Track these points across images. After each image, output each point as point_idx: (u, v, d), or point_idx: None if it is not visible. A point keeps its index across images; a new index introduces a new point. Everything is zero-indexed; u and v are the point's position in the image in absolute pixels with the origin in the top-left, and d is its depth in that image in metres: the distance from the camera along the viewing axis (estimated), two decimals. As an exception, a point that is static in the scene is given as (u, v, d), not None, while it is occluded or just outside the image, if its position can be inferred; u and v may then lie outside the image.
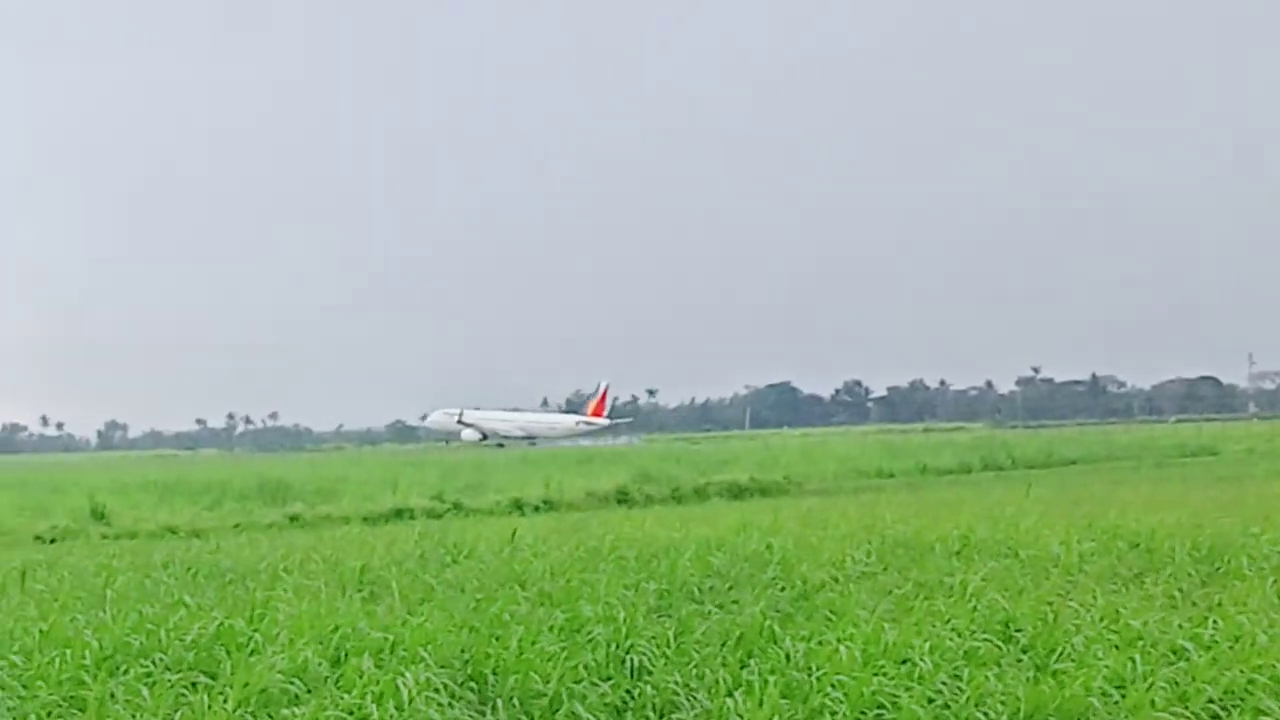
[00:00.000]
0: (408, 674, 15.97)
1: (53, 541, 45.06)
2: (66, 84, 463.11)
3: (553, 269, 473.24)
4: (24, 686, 16.25)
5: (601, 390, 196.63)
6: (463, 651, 17.88)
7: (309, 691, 16.06)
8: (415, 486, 65.78)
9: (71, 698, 15.86)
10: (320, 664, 17.21)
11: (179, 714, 14.71)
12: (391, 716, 14.50)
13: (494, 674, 17.01)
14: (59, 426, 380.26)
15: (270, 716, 14.88)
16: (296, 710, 14.94)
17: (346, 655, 17.71)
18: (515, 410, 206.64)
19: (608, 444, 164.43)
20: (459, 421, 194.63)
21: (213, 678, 16.79)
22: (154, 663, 17.46)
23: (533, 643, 18.06)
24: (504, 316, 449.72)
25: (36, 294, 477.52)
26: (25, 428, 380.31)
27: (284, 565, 29.16)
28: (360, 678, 16.24)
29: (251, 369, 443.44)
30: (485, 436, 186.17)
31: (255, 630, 19.27)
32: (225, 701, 15.31)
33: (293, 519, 53.47)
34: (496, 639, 18.51)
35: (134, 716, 14.76)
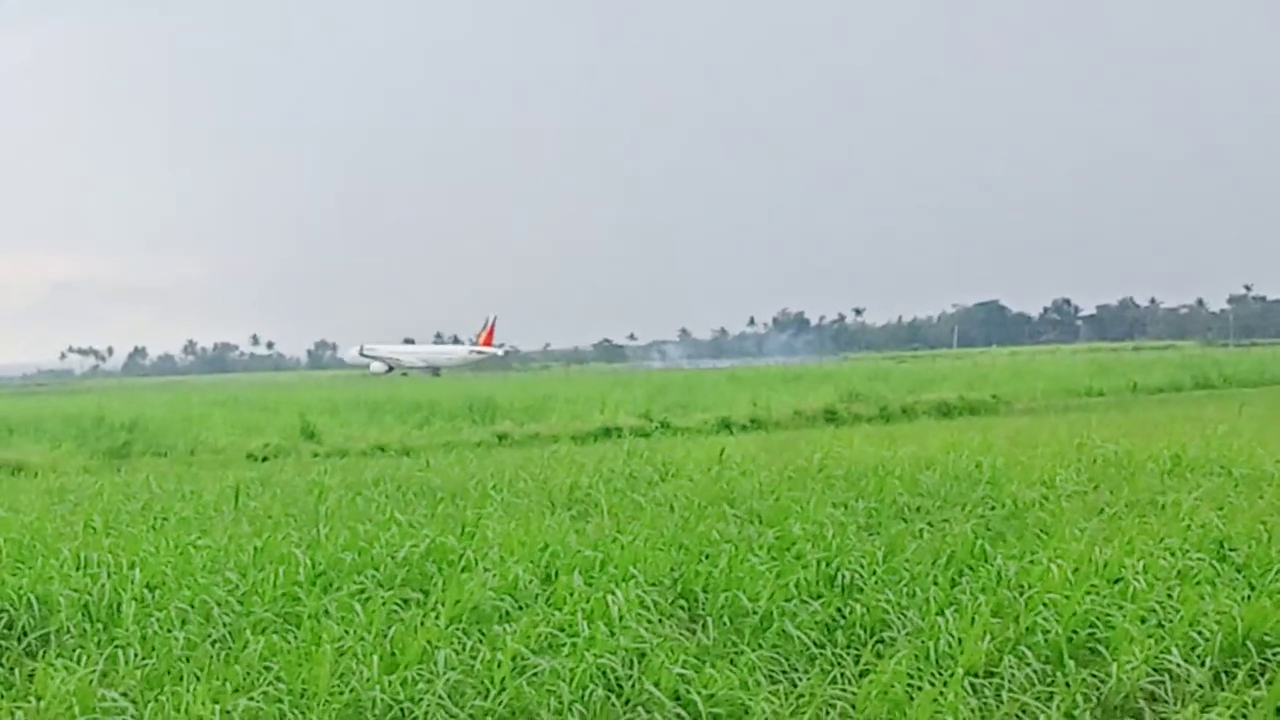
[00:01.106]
0: (618, 591, 16.32)
1: (265, 460, 46.31)
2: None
3: (764, 190, 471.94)
4: (239, 603, 16.84)
5: (490, 323, 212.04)
6: (672, 570, 18.22)
7: (520, 608, 16.50)
8: (623, 405, 66.21)
9: (286, 614, 16.41)
10: (531, 581, 17.67)
11: (392, 630, 15.16)
12: (602, 634, 14.81)
13: (704, 592, 17.31)
14: (269, 346, 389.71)
15: (482, 633, 15.29)
16: (508, 627, 15.34)
17: (557, 573, 18.15)
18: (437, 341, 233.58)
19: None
20: (362, 354, 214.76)
21: (425, 594, 17.34)
22: (366, 579, 18.06)
23: (742, 561, 18.34)
24: (709, 237, 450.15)
25: (247, 217, 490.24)
26: (236, 347, 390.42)
27: (493, 483, 29.77)
28: (570, 595, 16.64)
29: (456, 289, 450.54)
30: (391, 368, 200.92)
31: (466, 548, 19.79)
32: (437, 618, 15.77)
33: (501, 437, 54.25)
34: (706, 557, 18.83)
35: (347, 632, 15.20)
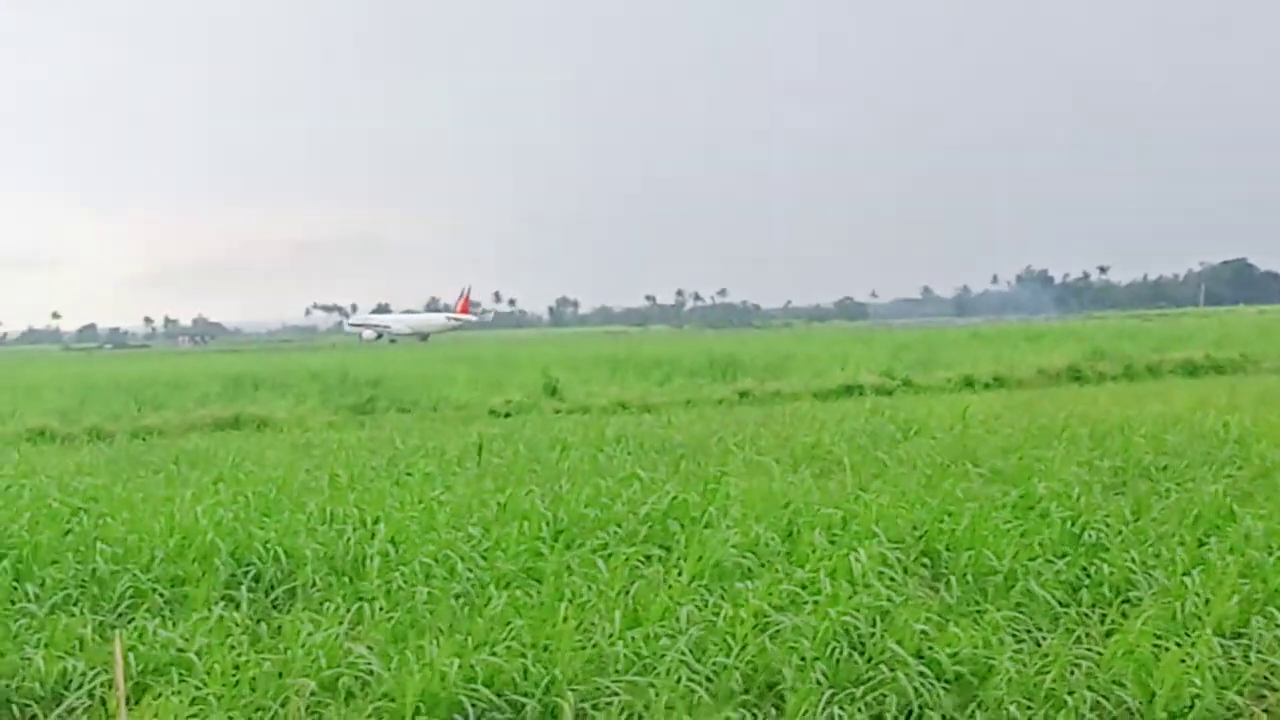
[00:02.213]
0: (860, 549, 16.30)
1: (507, 416, 46.87)
2: None
3: (1008, 146, 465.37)
4: (482, 557, 17.14)
5: (465, 292, 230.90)
6: (915, 528, 18.13)
7: (762, 565, 16.53)
8: (865, 363, 65.73)
9: (529, 569, 16.66)
10: (772, 538, 17.70)
11: (634, 586, 15.28)
12: (844, 591, 14.77)
13: (947, 550, 17.21)
14: (511, 303, 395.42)
15: (724, 589, 15.35)
16: (750, 584, 15.38)
17: (799, 530, 18.16)
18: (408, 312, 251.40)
19: None
20: (353, 325, 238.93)
21: (667, 550, 17.47)
22: (608, 535, 18.26)
23: (986, 519, 18.20)
24: (952, 194, 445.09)
25: (490, 174, 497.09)
26: (479, 304, 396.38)
27: (735, 440, 29.88)
28: (813, 552, 16.64)
29: (701, 246, 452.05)
30: (380, 335, 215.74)
31: (708, 504, 19.90)
32: (680, 574, 15.88)
33: (742, 395, 54.19)
34: (949, 515, 18.71)
35: (589, 588, 15.38)
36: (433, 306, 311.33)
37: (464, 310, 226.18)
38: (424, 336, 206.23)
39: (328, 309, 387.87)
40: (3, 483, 24.53)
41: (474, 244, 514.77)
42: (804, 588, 15.22)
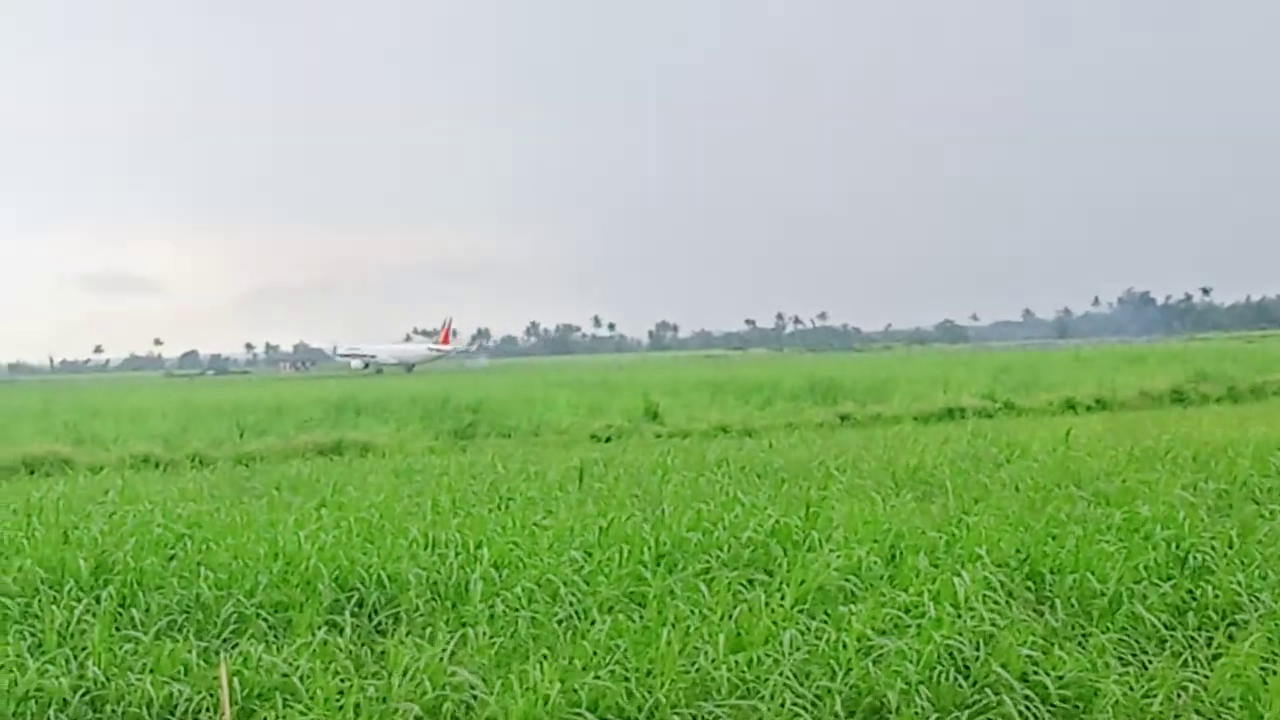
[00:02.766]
0: (964, 573, 16.27)
1: (608, 440, 47.04)
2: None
3: (1108, 167, 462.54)
4: (585, 582, 17.22)
5: (446, 324, 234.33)
6: (1018, 551, 18.10)
7: (865, 589, 16.52)
8: (966, 385, 65.55)
9: (631, 593, 16.73)
10: (875, 562, 17.69)
11: (737, 610, 15.32)
12: (948, 615, 14.75)
13: (1051, 573, 17.16)
14: (611, 327, 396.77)
15: (827, 613, 15.36)
16: (853, 607, 15.38)
17: (901, 553, 18.15)
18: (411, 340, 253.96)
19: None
20: (340, 355, 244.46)
21: (769, 574, 17.49)
22: (711, 559, 18.31)
23: (1090, 542, 18.15)
24: (1054, 216, 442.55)
25: (588, 198, 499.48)
26: (579, 328, 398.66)
27: (836, 464, 29.89)
28: (916, 576, 16.63)
29: (801, 269, 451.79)
30: (367, 364, 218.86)
31: (810, 528, 19.91)
32: (782, 598, 15.90)
33: (843, 418, 54.18)
34: (1053, 538, 18.68)
35: (692, 612, 15.43)
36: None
37: (445, 341, 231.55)
38: (409, 366, 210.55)
39: (427, 334, 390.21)
40: (108, 509, 24.82)
41: (573, 268, 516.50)
42: (907, 611, 15.21)
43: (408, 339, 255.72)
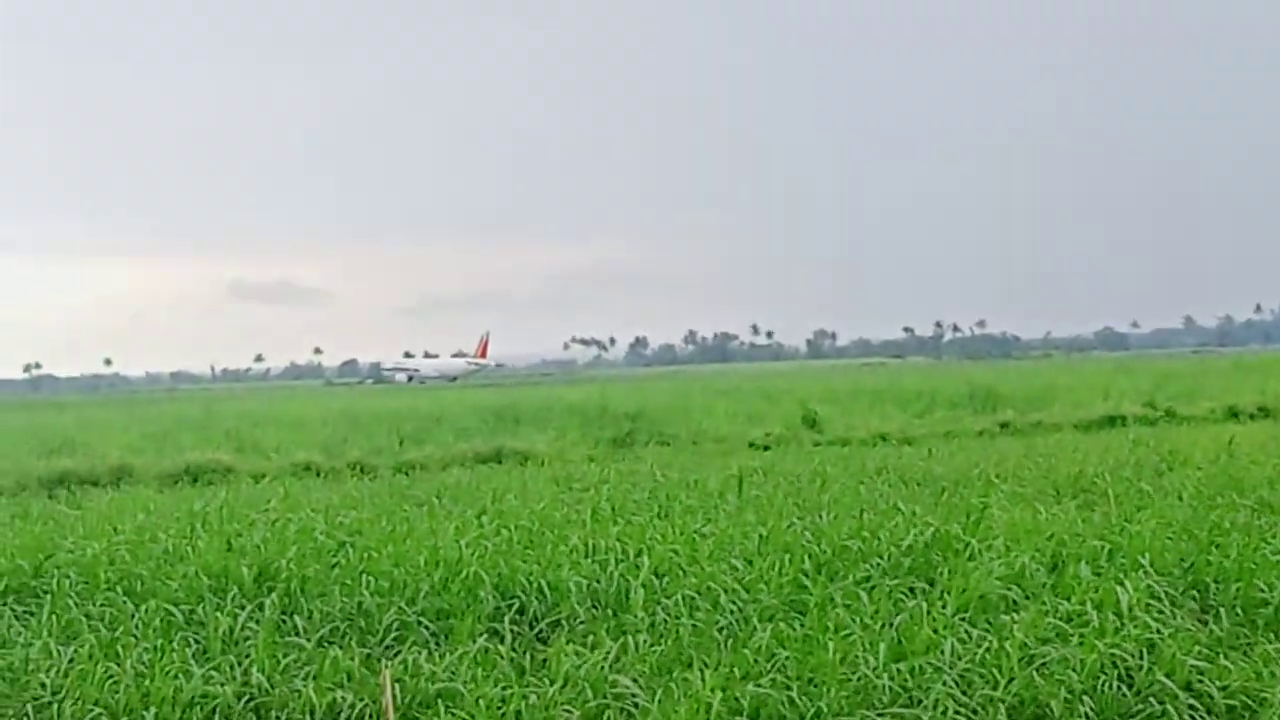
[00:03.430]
0: (1126, 581, 16.18)
1: (766, 448, 46.95)
2: None
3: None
4: (745, 590, 17.30)
5: (484, 338, 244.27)
6: (1182, 559, 17.99)
7: (1027, 598, 16.49)
8: (1127, 394, 64.68)
9: (792, 601, 16.79)
10: (1037, 570, 17.65)
11: (898, 618, 15.33)
12: (1111, 623, 14.66)
13: (1215, 582, 17.05)
14: (769, 335, 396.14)
15: (988, 622, 15.33)
16: (1015, 616, 15.33)
17: (1063, 562, 18.09)
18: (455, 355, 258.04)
19: None
20: (388, 370, 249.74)
21: (930, 583, 17.51)
22: (871, 568, 18.35)
23: (1255, 551, 17.97)
24: (1215, 220, 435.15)
25: (743, 206, 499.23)
26: (736, 336, 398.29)
27: (996, 472, 29.78)
28: (1078, 584, 16.55)
29: (960, 278, 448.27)
30: (410, 378, 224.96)
31: (971, 536, 19.85)
32: (944, 607, 15.89)
33: (1003, 426, 53.64)
34: (1216, 547, 18.50)
35: (853, 620, 15.46)
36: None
37: (482, 355, 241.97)
38: (452, 379, 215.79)
39: (586, 342, 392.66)
40: (270, 517, 25.26)
41: (732, 276, 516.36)
42: (1070, 620, 15.15)
43: (455, 354, 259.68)
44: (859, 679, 13.50)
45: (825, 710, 12.90)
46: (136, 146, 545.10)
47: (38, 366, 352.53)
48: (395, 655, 15.38)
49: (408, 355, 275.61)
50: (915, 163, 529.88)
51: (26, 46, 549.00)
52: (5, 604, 18.27)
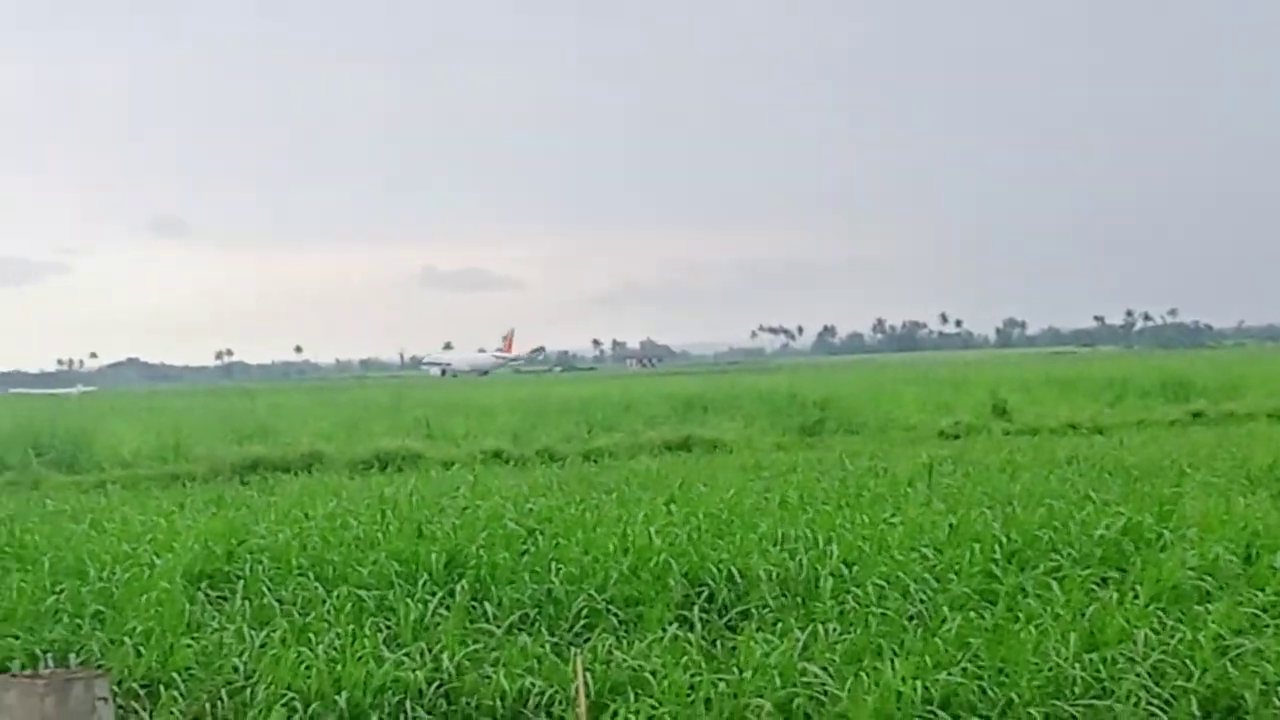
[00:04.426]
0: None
1: (956, 437, 46.67)
2: None
3: None
4: (935, 579, 17.29)
5: (509, 335, 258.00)
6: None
7: (1220, 588, 16.31)
8: (1324, 382, 63.34)
9: (982, 591, 16.75)
10: (1231, 561, 17.41)
11: (1090, 608, 15.24)
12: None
13: None
14: (957, 324, 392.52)
15: (1181, 612, 15.20)
16: (1208, 607, 15.17)
17: (1258, 552, 17.86)
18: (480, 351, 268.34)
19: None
20: (426, 364, 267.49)
21: (1122, 573, 17.37)
22: (1062, 557, 18.22)
23: None
24: None
25: (932, 191, 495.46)
26: (925, 325, 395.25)
27: (1189, 462, 29.42)
28: (1273, 575, 16.38)
29: (1152, 266, 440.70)
30: (444, 371, 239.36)
31: (1164, 526, 19.64)
32: (1136, 597, 15.78)
33: (1195, 415, 52.81)
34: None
35: (1044, 610, 15.40)
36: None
37: (509, 349, 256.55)
38: (484, 372, 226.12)
39: (774, 331, 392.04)
40: (460, 504, 25.55)
41: (920, 265, 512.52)
42: (1265, 610, 14.97)
43: (480, 350, 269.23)
44: (1051, 669, 13.44)
45: (1017, 700, 12.88)
46: (331, 134, 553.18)
47: (229, 353, 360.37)
48: (585, 642, 15.52)
49: (448, 347, 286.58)
50: (1106, 150, 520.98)
51: (223, 38, 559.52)
52: (199, 589, 18.60)
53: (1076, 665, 13.45)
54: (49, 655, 13.43)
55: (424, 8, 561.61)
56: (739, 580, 17.69)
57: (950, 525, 20.33)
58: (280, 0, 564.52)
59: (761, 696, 13.26)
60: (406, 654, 15.12)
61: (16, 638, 16.29)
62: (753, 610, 16.78)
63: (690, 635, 15.54)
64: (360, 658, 14.78)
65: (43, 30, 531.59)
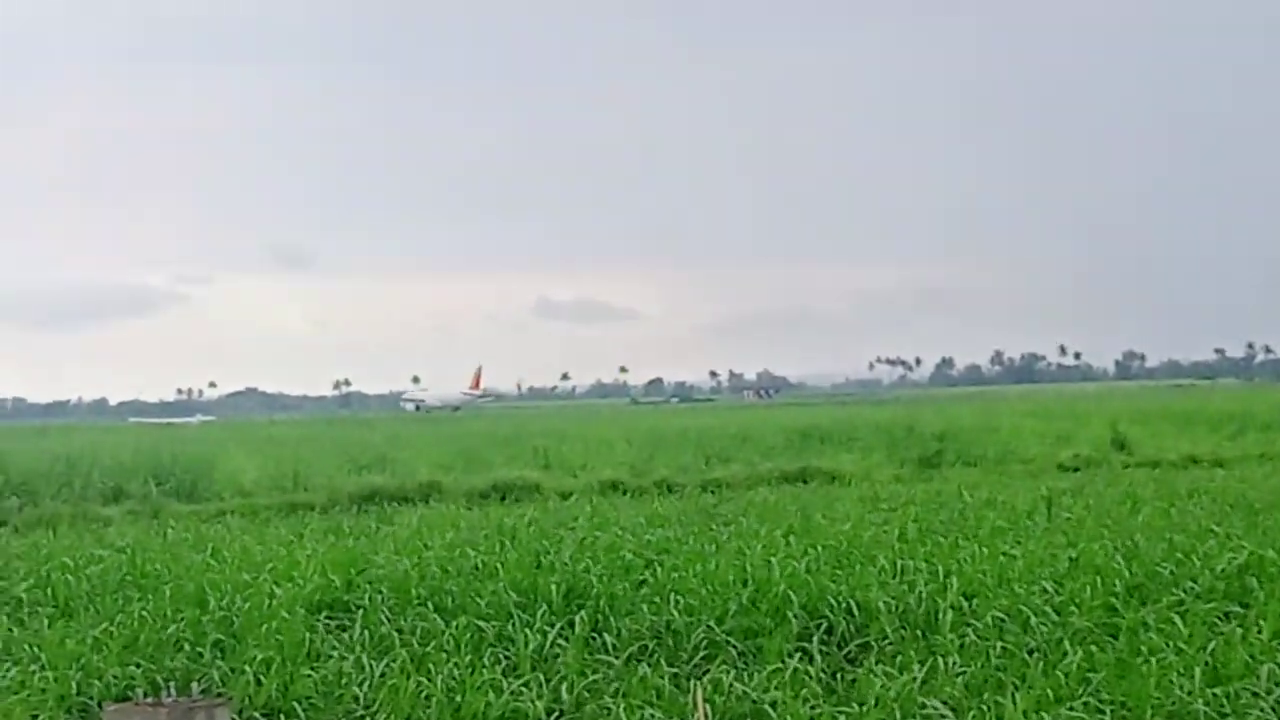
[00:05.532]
0: None
1: (1075, 470, 46.25)
2: None
3: None
4: (1056, 612, 17.14)
5: (477, 372, 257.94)
6: None
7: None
8: None
9: (1103, 624, 16.61)
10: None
11: (1213, 643, 15.06)
12: None
13: None
14: (1076, 356, 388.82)
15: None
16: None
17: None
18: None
19: None
20: (404, 400, 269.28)
21: (1245, 607, 17.13)
22: (1184, 592, 18.00)
23: None
24: None
25: (1051, 224, 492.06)
26: (1043, 357, 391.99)
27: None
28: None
29: (1274, 298, 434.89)
30: (418, 407, 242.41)
31: (1292, 561, 19.40)
32: (1259, 632, 15.60)
33: (1321, 447, 52.06)
34: None
35: (1167, 644, 15.23)
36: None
37: (475, 386, 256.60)
38: (455, 408, 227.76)
39: (891, 362, 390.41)
40: (578, 534, 25.64)
41: (1039, 296, 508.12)
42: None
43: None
44: (1174, 704, 13.33)
45: (1138, 735, 12.74)
46: (448, 166, 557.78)
47: (347, 383, 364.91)
48: (704, 674, 15.48)
49: (415, 380, 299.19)
50: (1228, 183, 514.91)
51: (342, 76, 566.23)
52: (319, 618, 18.79)
53: (1200, 700, 13.32)
54: (171, 684, 13.61)
55: (539, 42, 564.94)
56: (858, 613, 17.60)
57: (1071, 558, 20.16)
58: (397, 40, 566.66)
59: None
60: (525, 684, 15.17)
61: (138, 666, 16.42)
62: (872, 643, 16.73)
63: (810, 668, 15.47)
64: (479, 688, 14.88)
65: (172, 64, 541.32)
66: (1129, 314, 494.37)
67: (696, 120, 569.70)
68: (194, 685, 14.34)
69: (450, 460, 53.16)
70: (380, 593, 19.89)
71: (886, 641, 16.68)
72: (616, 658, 16.23)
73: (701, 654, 16.57)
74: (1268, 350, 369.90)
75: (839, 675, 15.51)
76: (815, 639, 16.80)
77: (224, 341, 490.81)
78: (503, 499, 40.38)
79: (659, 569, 20.83)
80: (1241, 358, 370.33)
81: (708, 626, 17.17)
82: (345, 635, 17.91)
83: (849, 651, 16.69)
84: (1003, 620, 16.72)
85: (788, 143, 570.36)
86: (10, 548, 28.85)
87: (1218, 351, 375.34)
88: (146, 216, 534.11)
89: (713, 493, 40.54)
